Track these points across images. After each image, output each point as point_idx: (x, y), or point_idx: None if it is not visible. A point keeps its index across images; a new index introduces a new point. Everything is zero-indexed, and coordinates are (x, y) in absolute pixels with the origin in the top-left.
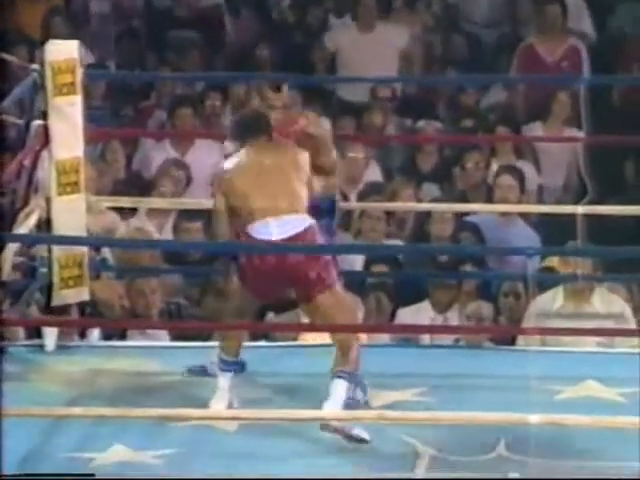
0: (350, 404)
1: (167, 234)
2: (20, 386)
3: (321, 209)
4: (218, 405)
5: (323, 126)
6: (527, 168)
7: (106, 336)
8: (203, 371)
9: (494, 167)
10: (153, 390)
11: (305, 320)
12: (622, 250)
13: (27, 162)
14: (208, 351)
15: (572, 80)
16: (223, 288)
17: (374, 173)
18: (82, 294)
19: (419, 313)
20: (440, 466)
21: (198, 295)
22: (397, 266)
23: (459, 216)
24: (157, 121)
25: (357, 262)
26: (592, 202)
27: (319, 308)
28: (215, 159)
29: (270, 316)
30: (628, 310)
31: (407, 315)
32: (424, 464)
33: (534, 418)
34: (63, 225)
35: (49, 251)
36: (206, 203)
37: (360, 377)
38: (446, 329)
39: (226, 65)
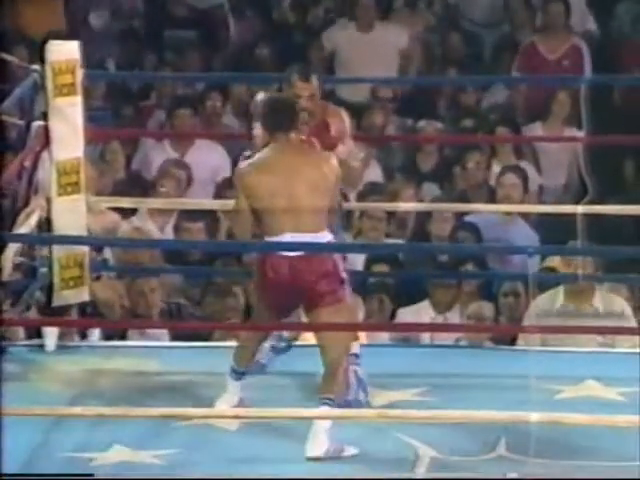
0: (352, 405)
1: (168, 234)
2: (20, 386)
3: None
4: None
5: (344, 119)
6: (527, 168)
7: (106, 336)
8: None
9: (495, 167)
10: (153, 390)
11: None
12: (622, 250)
13: (28, 163)
14: (208, 351)
15: (572, 80)
16: (224, 288)
17: (375, 173)
18: (82, 294)
19: (419, 313)
20: (440, 466)
21: (198, 295)
22: (398, 266)
23: (459, 216)
24: (157, 121)
25: (358, 262)
26: (592, 202)
27: (321, 320)
28: (215, 159)
29: None
30: (629, 310)
31: (407, 315)
32: (424, 464)
33: (534, 418)
34: (63, 225)
35: (50, 251)
36: (207, 203)
37: (362, 378)
38: (446, 328)
39: (226, 65)
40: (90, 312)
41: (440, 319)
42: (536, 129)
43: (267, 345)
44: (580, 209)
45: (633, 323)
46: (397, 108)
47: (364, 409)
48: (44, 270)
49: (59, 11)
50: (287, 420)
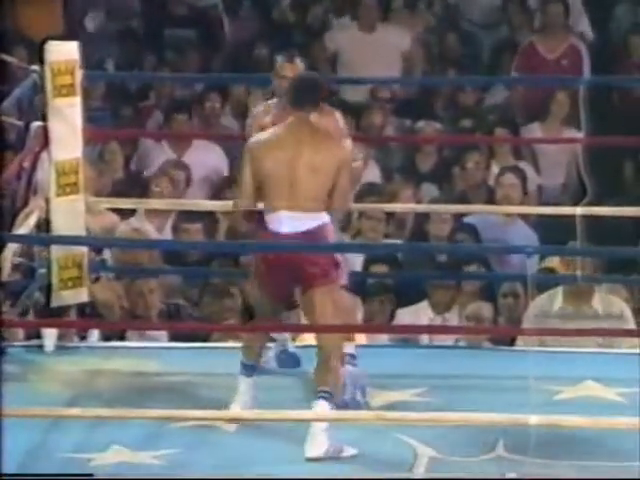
0: (349, 405)
1: (167, 235)
2: (19, 386)
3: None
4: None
5: (338, 120)
6: (526, 169)
7: (105, 337)
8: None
9: (494, 168)
10: (152, 391)
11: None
12: (621, 250)
13: (27, 163)
14: (206, 352)
15: (572, 81)
16: (222, 289)
17: (373, 174)
18: (81, 295)
19: (418, 314)
20: (439, 466)
21: (197, 296)
22: (397, 267)
23: (458, 217)
24: (156, 122)
25: (357, 263)
26: (591, 203)
27: (314, 300)
28: (213, 160)
29: None
30: (628, 311)
31: (406, 316)
32: (423, 464)
33: (533, 418)
34: (62, 226)
35: (48, 252)
36: (205, 204)
37: (360, 378)
38: (445, 329)
39: (225, 66)
40: (89, 313)
41: (439, 320)
42: (535, 129)
43: (272, 352)
44: (579, 210)
45: (632, 325)
46: (396, 108)
47: (363, 411)
48: (43, 271)
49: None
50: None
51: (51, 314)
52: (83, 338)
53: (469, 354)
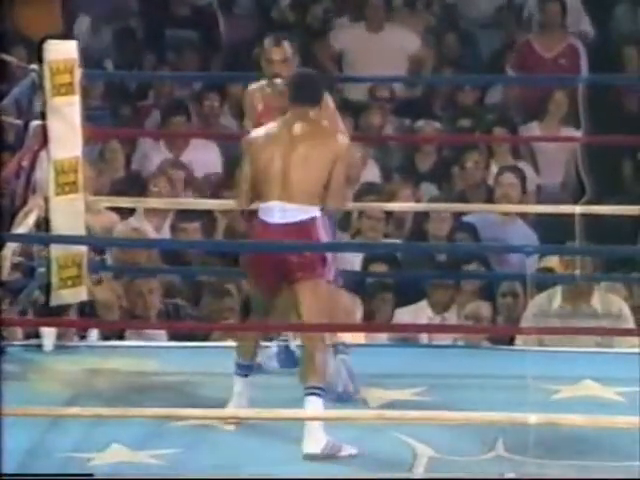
0: (343, 398)
1: (165, 235)
2: (18, 386)
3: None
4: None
5: (329, 105)
6: (525, 168)
7: (104, 336)
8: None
9: (493, 168)
10: (151, 390)
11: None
12: (620, 249)
13: (26, 162)
14: (205, 351)
15: (571, 80)
16: (221, 288)
17: (373, 173)
18: (81, 294)
19: (417, 313)
20: (438, 466)
21: (195, 295)
22: (396, 266)
23: (457, 216)
24: (155, 121)
25: (356, 262)
26: (590, 202)
27: (298, 294)
28: (210, 160)
29: None
30: (627, 310)
31: (405, 315)
32: (422, 464)
33: (532, 418)
34: (61, 225)
35: (48, 251)
36: (204, 203)
37: (350, 369)
38: (444, 329)
39: (224, 65)
40: (88, 312)
41: (438, 319)
42: (533, 128)
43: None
44: (578, 209)
45: (631, 324)
46: (395, 108)
47: (362, 410)
48: (42, 270)
49: (57, 11)
50: (285, 420)
51: (50, 313)
52: (82, 337)
53: (468, 353)
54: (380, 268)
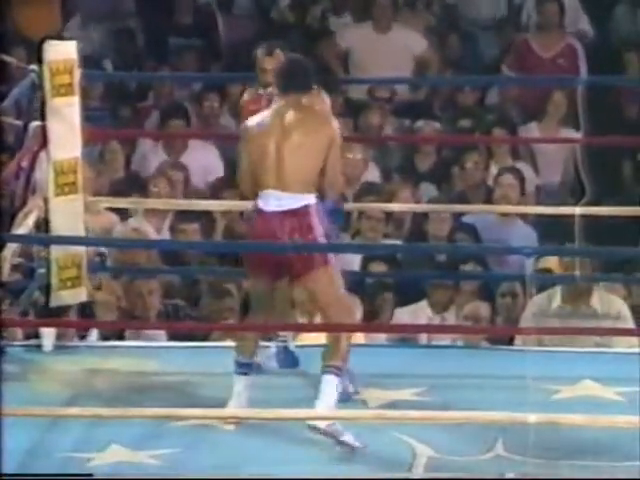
0: (342, 398)
1: (165, 236)
2: (18, 386)
3: (324, 211)
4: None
5: (324, 101)
6: (524, 169)
7: (104, 336)
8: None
9: (492, 168)
10: (151, 390)
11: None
12: (618, 250)
13: (25, 163)
14: (205, 351)
15: (571, 81)
16: (220, 288)
17: (372, 173)
18: (80, 295)
19: (417, 313)
20: (438, 466)
21: (195, 296)
22: (395, 266)
23: (457, 216)
24: (154, 122)
25: (355, 262)
26: (590, 203)
27: (309, 287)
28: (209, 160)
29: None
30: (626, 310)
31: (405, 315)
32: (422, 464)
33: (532, 417)
34: (61, 226)
35: (47, 252)
36: (203, 204)
37: (350, 369)
38: (444, 329)
39: (224, 66)
40: (87, 313)
41: (437, 319)
42: (532, 129)
43: (272, 351)
44: (577, 210)
45: (631, 324)
46: (395, 108)
47: (362, 410)
48: (42, 270)
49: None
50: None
51: (50, 314)
52: (82, 337)
53: (468, 353)
54: (379, 268)
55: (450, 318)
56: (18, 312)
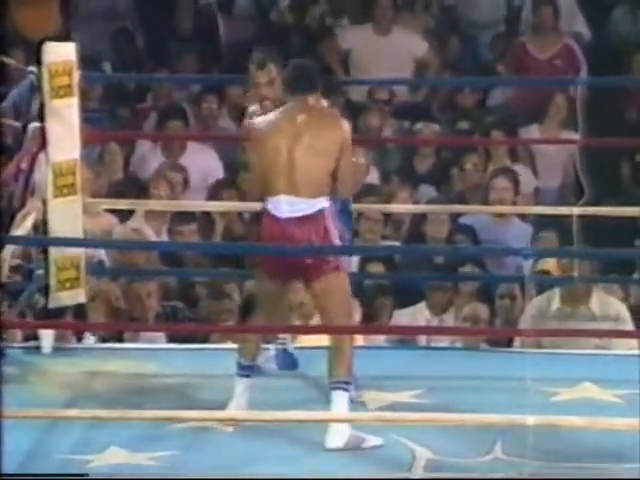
0: None
1: (164, 238)
2: (17, 388)
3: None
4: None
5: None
6: (523, 171)
7: (102, 338)
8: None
9: (491, 170)
10: (150, 392)
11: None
12: (617, 252)
13: (24, 164)
14: (204, 353)
15: (570, 82)
16: (220, 290)
17: (371, 175)
18: (79, 296)
19: (415, 315)
20: (437, 468)
21: (194, 297)
22: (393, 268)
23: (455, 218)
24: (152, 124)
25: (353, 264)
26: (588, 204)
27: (319, 292)
28: (207, 162)
29: None
30: (625, 312)
31: (403, 317)
32: (421, 466)
33: (531, 420)
34: (60, 227)
35: (46, 253)
36: (203, 205)
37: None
38: (442, 331)
39: (223, 67)
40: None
41: (436, 321)
42: (533, 131)
43: (271, 353)
44: (576, 211)
45: (630, 326)
46: (394, 110)
47: (361, 412)
48: (40, 272)
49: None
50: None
51: (48, 316)
52: (79, 339)
53: (466, 355)
54: (377, 270)
55: (449, 320)
56: (16, 314)
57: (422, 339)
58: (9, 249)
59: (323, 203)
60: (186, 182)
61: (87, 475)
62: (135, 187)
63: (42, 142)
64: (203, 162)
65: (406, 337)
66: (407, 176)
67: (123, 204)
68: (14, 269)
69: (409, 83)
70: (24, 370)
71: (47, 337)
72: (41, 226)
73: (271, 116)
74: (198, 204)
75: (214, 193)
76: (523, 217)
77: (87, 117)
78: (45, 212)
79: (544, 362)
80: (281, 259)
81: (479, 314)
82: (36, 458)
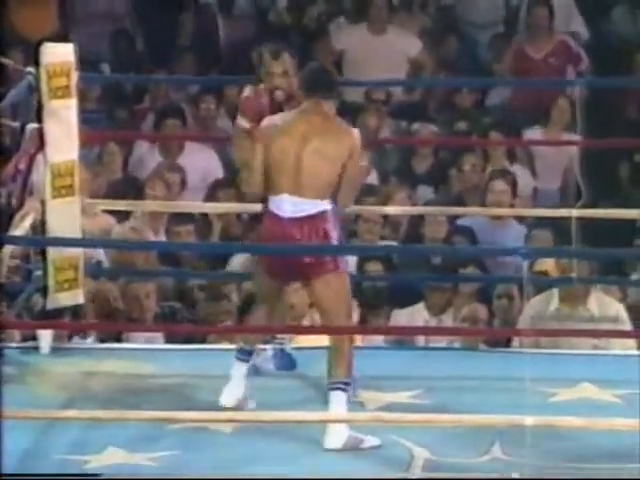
0: None
1: (162, 238)
2: (15, 388)
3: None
4: (230, 395)
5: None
6: (522, 172)
7: (101, 339)
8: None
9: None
10: (148, 392)
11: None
12: (615, 252)
13: (22, 165)
14: (202, 354)
15: (568, 83)
16: (218, 291)
17: (370, 176)
18: (77, 297)
19: (414, 315)
20: (435, 468)
21: (192, 298)
22: (392, 268)
23: (453, 219)
24: (150, 124)
25: (351, 264)
26: (587, 205)
27: (318, 292)
28: (206, 162)
29: None
30: (624, 313)
31: (402, 317)
32: (419, 466)
33: (529, 420)
34: (58, 228)
35: (44, 254)
36: (201, 206)
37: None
38: (441, 331)
39: (222, 67)
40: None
41: (434, 321)
42: (536, 134)
43: (269, 353)
44: (574, 212)
45: (628, 326)
46: (391, 110)
47: (359, 412)
48: (39, 272)
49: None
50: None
51: (46, 316)
52: (70, 339)
53: (465, 356)
54: (376, 267)
55: (447, 320)
56: (14, 314)
57: (420, 339)
58: (7, 250)
59: (326, 205)
60: (184, 182)
61: (93, 475)
62: (133, 188)
63: (40, 143)
64: (202, 162)
65: (404, 337)
66: (405, 177)
67: (121, 205)
68: (13, 270)
69: (405, 84)
70: (22, 370)
71: (45, 337)
72: (39, 227)
73: (284, 115)
74: (195, 205)
75: (212, 193)
76: (521, 219)
77: (85, 118)
78: (43, 213)
79: (543, 362)
80: (281, 259)
81: (478, 315)
82: (34, 458)
